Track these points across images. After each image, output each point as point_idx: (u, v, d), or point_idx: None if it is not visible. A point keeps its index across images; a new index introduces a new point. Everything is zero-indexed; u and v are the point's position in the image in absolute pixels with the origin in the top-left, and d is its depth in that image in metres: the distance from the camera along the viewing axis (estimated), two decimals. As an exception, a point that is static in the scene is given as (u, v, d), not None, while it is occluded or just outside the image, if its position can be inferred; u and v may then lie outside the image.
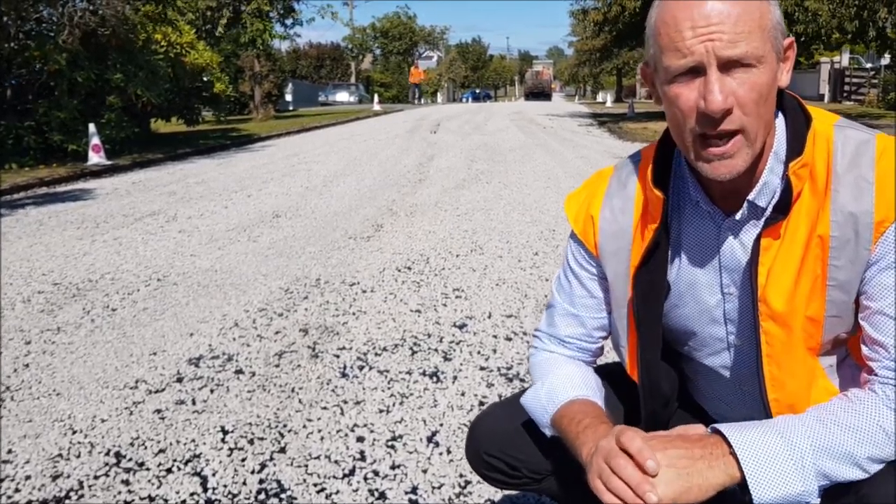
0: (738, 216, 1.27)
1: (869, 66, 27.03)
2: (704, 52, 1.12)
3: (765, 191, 1.24)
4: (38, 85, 12.47)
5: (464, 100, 66.63)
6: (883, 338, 1.20)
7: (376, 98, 35.81)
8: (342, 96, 48.16)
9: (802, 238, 1.21)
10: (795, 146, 1.22)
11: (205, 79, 19.44)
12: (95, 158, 12.04)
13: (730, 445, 1.15)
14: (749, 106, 1.13)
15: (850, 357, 1.31)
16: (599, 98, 51.39)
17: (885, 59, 22.90)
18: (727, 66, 1.12)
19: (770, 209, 1.23)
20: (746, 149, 1.17)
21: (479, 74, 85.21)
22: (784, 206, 1.21)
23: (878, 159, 1.19)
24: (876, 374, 1.21)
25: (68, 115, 12.28)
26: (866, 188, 1.17)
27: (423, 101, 43.24)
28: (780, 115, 1.26)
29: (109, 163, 12.14)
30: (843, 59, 28.68)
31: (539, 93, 60.12)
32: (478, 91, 76.01)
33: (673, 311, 1.39)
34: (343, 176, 10.20)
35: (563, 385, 1.43)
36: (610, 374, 1.60)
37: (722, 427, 1.18)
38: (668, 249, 1.34)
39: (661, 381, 1.43)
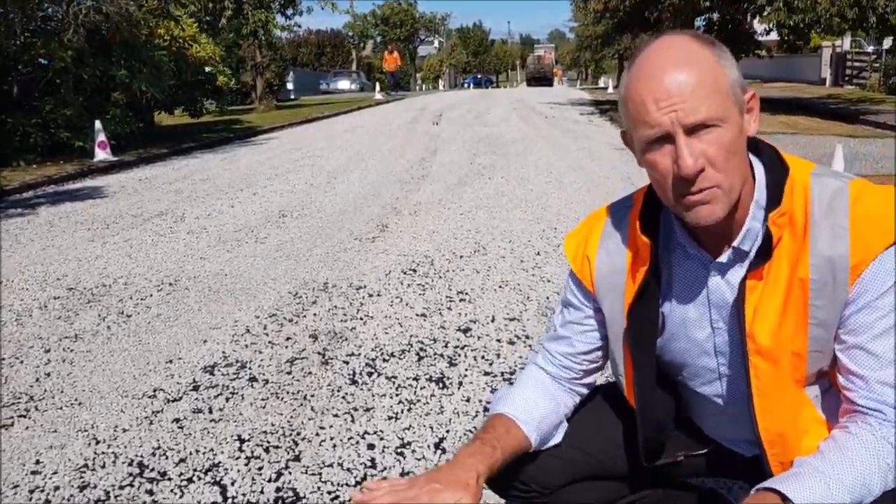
0: (723, 259, 1.38)
1: (871, 49, 27.00)
2: (670, 123, 1.23)
3: (748, 237, 1.35)
4: (44, 82, 12.57)
5: (465, 85, 66.48)
6: (861, 370, 1.31)
7: (377, 87, 35.78)
8: (343, 84, 48.03)
9: (784, 279, 1.32)
10: (774, 196, 1.32)
11: (207, 70, 19.52)
12: (102, 155, 12.16)
13: (785, 500, 1.22)
14: (720, 163, 1.25)
15: (833, 387, 1.43)
16: (601, 83, 51.31)
17: (887, 43, 22.88)
18: (693, 130, 1.23)
19: (753, 253, 1.35)
20: (723, 197, 1.27)
21: (480, 60, 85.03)
22: (766, 251, 1.32)
23: (853, 206, 1.29)
24: (859, 407, 1.31)
25: (74, 112, 12.38)
26: (842, 234, 1.28)
27: (400, 91, 39.72)
28: (760, 164, 1.37)
29: (115, 159, 12.26)
30: (845, 43, 28.64)
31: (541, 78, 59.93)
32: (479, 76, 75.82)
33: (667, 345, 1.52)
34: (347, 172, 10.32)
35: (510, 399, 1.57)
36: (613, 395, 1.74)
37: (773, 483, 1.25)
38: (659, 289, 1.46)
39: (657, 410, 1.56)
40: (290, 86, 37.33)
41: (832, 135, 12.39)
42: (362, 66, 53.45)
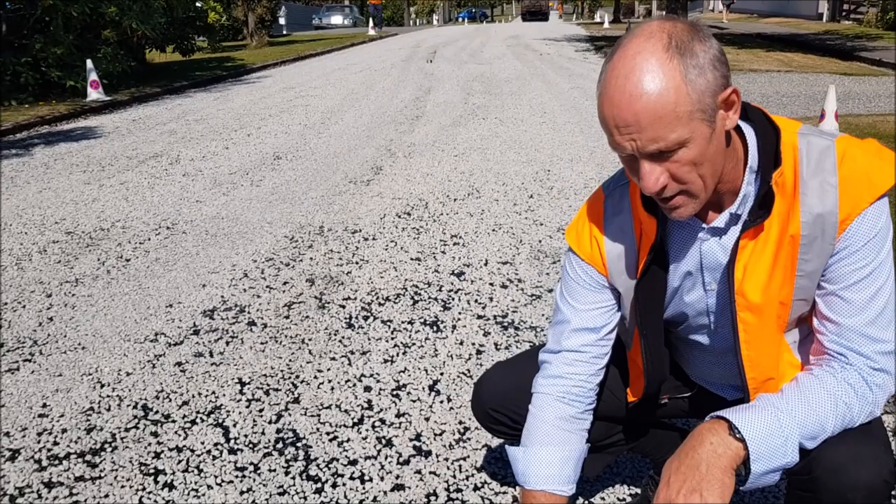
0: (717, 223, 1.43)
1: (870, -18, 26.62)
2: (631, 149, 1.27)
3: (744, 202, 1.40)
4: (33, 20, 12.41)
5: (460, 20, 65.59)
6: (834, 315, 1.40)
7: (371, 22, 35.26)
8: (336, 19, 47.45)
9: (775, 237, 1.38)
10: (772, 158, 1.36)
11: (198, 5, 19.26)
12: (94, 94, 12.08)
13: (732, 428, 1.31)
14: (684, 177, 1.28)
15: (811, 333, 1.49)
16: (597, 17, 50.60)
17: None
18: (653, 156, 1.27)
19: (746, 214, 1.40)
20: (691, 201, 1.33)
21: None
22: (765, 209, 1.37)
23: (840, 164, 1.34)
24: (827, 349, 1.40)
25: (65, 51, 12.25)
26: (830, 191, 1.34)
27: (369, 28, 35.85)
28: (751, 129, 1.40)
29: (108, 98, 12.19)
30: (844, -24, 28.22)
31: (536, 12, 59.07)
32: (474, 10, 74.76)
33: None
34: (340, 112, 10.28)
35: (537, 472, 1.60)
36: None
37: (725, 413, 1.34)
38: (665, 261, 1.51)
39: (661, 367, 1.64)
40: (281, 21, 36.81)
41: (827, 72, 12.35)
42: (355, 0, 52.58)
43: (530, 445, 1.63)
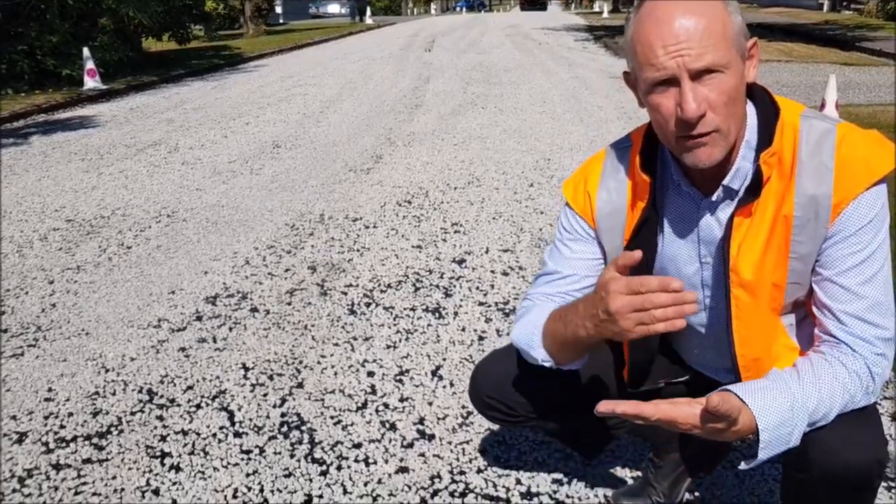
0: (714, 197, 1.46)
1: (869, -27, 26.59)
2: (676, 67, 1.28)
3: (737, 175, 1.42)
4: (29, 8, 12.36)
5: (458, 9, 65.40)
6: (832, 302, 1.41)
7: (368, 10, 35.16)
8: (333, 8, 47.24)
9: (770, 216, 1.40)
10: (766, 137, 1.39)
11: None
12: (91, 83, 12.05)
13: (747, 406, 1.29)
14: (720, 108, 1.30)
15: (807, 317, 1.52)
16: (596, 7, 50.52)
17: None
18: (698, 75, 1.28)
19: (742, 191, 1.42)
20: (722, 141, 1.34)
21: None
22: (755, 189, 1.39)
23: (838, 147, 1.37)
24: (829, 336, 1.41)
25: (61, 39, 12.22)
26: (826, 174, 1.36)
27: (366, 17, 35.08)
28: (752, 105, 1.43)
29: (105, 87, 12.15)
30: (844, -34, 28.19)
31: (535, 1, 58.91)
32: (472, 0, 74.46)
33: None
34: (339, 101, 10.28)
35: (544, 312, 1.58)
36: None
37: (743, 395, 1.30)
38: (656, 225, 1.54)
39: (647, 340, 1.64)
40: (278, 10, 36.69)
41: (827, 62, 12.35)
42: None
43: (528, 313, 1.63)
